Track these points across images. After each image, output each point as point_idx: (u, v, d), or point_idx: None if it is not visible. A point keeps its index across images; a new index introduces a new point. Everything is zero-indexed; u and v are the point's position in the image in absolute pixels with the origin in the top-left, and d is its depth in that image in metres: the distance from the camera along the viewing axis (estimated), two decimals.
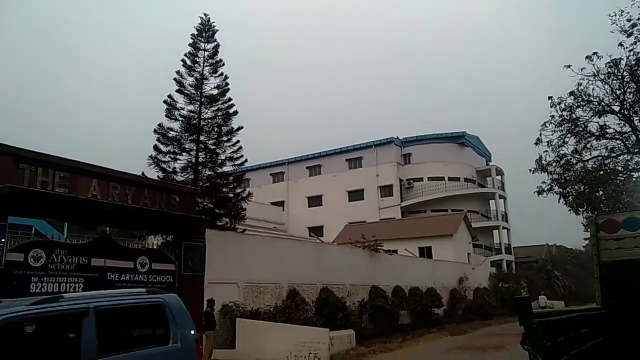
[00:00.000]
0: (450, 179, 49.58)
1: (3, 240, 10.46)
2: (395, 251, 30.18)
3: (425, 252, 35.36)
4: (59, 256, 11.64)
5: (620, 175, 23.30)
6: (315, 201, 51.05)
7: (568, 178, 23.20)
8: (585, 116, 22.56)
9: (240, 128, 21.82)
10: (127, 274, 13.07)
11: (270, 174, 54.83)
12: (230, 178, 21.68)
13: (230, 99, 21.98)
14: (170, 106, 21.24)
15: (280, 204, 51.43)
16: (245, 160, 22.06)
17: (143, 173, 18.85)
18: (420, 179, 49.34)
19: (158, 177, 20.10)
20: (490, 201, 52.53)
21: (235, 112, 21.94)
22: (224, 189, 21.24)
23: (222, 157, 21.55)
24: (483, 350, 16.32)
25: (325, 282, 19.57)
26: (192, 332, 7.85)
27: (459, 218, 39.34)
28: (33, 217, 17.03)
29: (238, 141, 21.82)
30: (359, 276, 22.05)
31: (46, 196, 11.26)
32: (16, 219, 10.98)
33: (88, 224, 13.47)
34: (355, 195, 49.27)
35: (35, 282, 11.08)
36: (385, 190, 48.45)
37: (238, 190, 21.68)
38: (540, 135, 22.92)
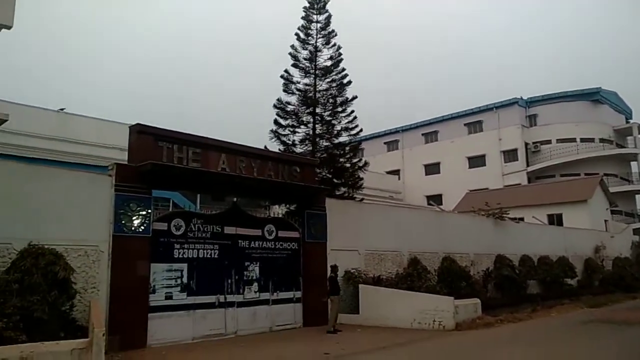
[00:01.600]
0: (582, 140, 45.30)
1: (149, 211, 11.65)
2: (522, 219, 28.54)
3: (555, 220, 32.93)
4: (196, 225, 12.72)
5: None
6: (432, 169, 49.81)
7: None
8: None
9: (354, 98, 21.81)
10: (256, 241, 13.93)
11: (385, 143, 54.38)
12: (347, 148, 21.85)
13: (343, 69, 22.00)
14: (287, 80, 21.82)
15: (395, 172, 50.97)
16: (361, 130, 22.06)
17: (265, 147, 19.72)
18: (548, 142, 45.74)
19: (279, 149, 20.89)
20: (632, 163, 47.24)
21: (349, 83, 21.94)
22: (341, 159, 21.50)
23: (338, 128, 21.75)
24: (628, 324, 14.93)
25: (447, 251, 19.14)
26: None
27: (594, 182, 35.93)
28: (171, 190, 18.68)
29: (353, 111, 21.86)
30: (483, 245, 21.26)
31: (182, 170, 12.26)
32: (157, 192, 12.11)
33: (217, 195, 14.44)
34: (476, 161, 47.15)
35: (178, 249, 12.24)
36: (509, 155, 45.68)
37: (354, 160, 21.82)
38: None
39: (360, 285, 15.23)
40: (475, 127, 48.34)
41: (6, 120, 13.70)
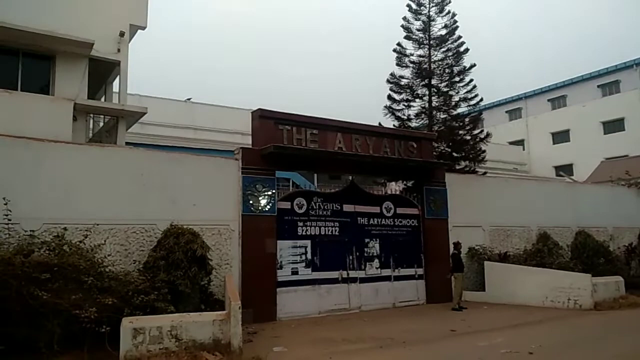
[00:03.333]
0: None
1: (274, 191, 12.21)
2: None
3: None
4: (317, 203, 13.09)
5: None
6: (561, 137, 45.89)
7: None
8: None
9: (472, 66, 20.79)
10: (374, 218, 13.99)
11: (506, 112, 51.09)
12: (466, 120, 21.00)
13: (459, 37, 21.02)
14: (400, 54, 21.39)
15: (519, 143, 47.85)
16: (481, 100, 21.04)
17: (380, 123, 19.62)
18: None
19: (394, 125, 20.67)
20: None
21: (466, 51, 20.94)
22: (460, 132, 20.71)
23: (456, 98, 20.95)
24: None
25: (581, 225, 17.67)
26: None
27: None
28: (291, 170, 19.34)
29: (471, 80, 20.89)
30: (624, 218, 19.29)
31: (302, 151, 12.64)
32: (278, 173, 12.64)
33: (334, 174, 14.69)
34: (613, 126, 42.53)
35: (301, 226, 12.71)
36: None
37: (475, 132, 20.90)
38: None
39: (486, 262, 14.68)
40: (610, 89, 43.53)
41: (145, 114, 15.10)
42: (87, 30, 14.00)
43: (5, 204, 8.54)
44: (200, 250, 9.88)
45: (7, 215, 8.55)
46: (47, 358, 7.48)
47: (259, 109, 12.61)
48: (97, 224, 9.69)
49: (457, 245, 13.76)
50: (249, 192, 11.88)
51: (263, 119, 12.52)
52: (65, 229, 9.03)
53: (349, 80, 79.40)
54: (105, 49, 14.73)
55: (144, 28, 16.09)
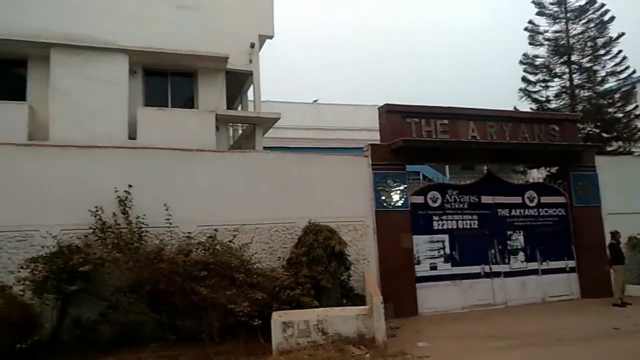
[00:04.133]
0: None
1: (405, 185, 12.08)
2: None
3: None
4: (452, 196, 12.68)
5: None
6: None
7: None
8: None
9: (620, 36, 18.62)
10: (517, 209, 13.18)
11: None
12: (616, 96, 18.88)
13: (602, 5, 18.99)
14: (533, 32, 19.93)
15: None
16: (633, 72, 18.77)
17: (515, 107, 18.46)
18: None
19: (531, 109, 19.32)
20: None
21: (612, 19, 18.86)
22: (609, 110, 18.69)
23: (602, 73, 18.95)
24: None
25: None
26: None
27: None
28: (421, 163, 19.05)
29: (620, 52, 18.74)
30: None
31: (432, 143, 12.34)
32: (408, 167, 12.49)
33: (468, 165, 14.10)
34: None
35: (437, 220, 12.41)
36: None
37: (628, 108, 18.71)
38: None
39: None
40: None
41: (278, 119, 15.87)
42: (222, 46, 15.09)
43: (166, 210, 9.52)
44: (338, 246, 10.10)
45: (168, 219, 9.54)
46: (209, 347, 8.18)
47: (386, 104, 12.56)
48: (244, 224, 10.37)
49: (615, 234, 12.42)
50: (380, 187, 11.89)
51: (390, 113, 12.45)
52: (216, 230, 9.78)
53: (473, 67, 75.79)
54: (239, 61, 15.75)
55: (271, 37, 16.92)
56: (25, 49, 13.29)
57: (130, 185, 9.54)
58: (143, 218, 9.42)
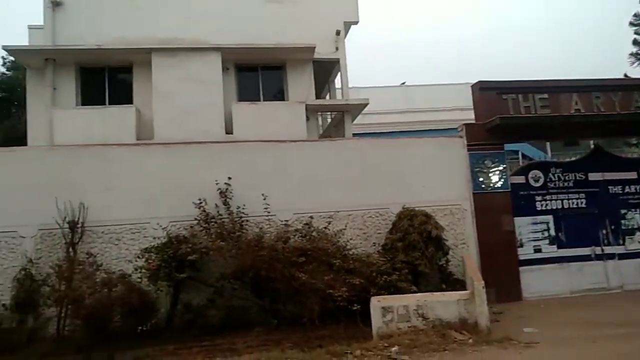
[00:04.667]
0: None
1: (504, 166, 11.54)
2: None
3: None
4: (556, 174, 11.94)
5: None
6: None
7: None
8: None
9: None
10: (631, 186, 12.13)
11: None
12: None
13: None
14: None
15: None
16: None
17: (625, 74, 16.89)
18: None
19: None
20: None
21: None
22: None
23: None
24: None
25: None
26: None
27: None
28: (520, 142, 18.11)
29: None
30: None
31: (532, 119, 11.65)
32: (505, 146, 11.90)
33: (571, 140, 13.13)
34: None
35: (539, 201, 11.75)
36: None
37: None
38: None
39: None
40: None
41: (367, 105, 15.79)
42: (308, 36, 15.23)
43: (264, 199, 9.88)
44: (434, 231, 9.91)
45: (266, 208, 9.91)
46: (310, 332, 8.41)
47: (479, 81, 12.05)
48: (338, 211, 10.49)
49: None
50: (478, 169, 11.46)
51: (484, 90, 11.92)
52: (311, 217, 10.00)
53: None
54: (325, 49, 15.81)
55: (356, 23, 16.80)
56: (130, 55, 14.32)
57: (229, 178, 10.02)
58: (243, 208, 9.87)
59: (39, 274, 9.17)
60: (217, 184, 9.97)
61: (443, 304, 8.27)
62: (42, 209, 9.43)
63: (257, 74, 15.78)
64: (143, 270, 8.85)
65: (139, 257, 9.08)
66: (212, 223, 9.60)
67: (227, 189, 10.00)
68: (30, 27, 16.42)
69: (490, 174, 11.46)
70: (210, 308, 9.27)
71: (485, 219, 11.21)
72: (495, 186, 11.43)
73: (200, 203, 9.78)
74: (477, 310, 8.14)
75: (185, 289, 9.38)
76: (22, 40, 15.94)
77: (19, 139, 14.71)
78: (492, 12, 75.34)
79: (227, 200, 9.94)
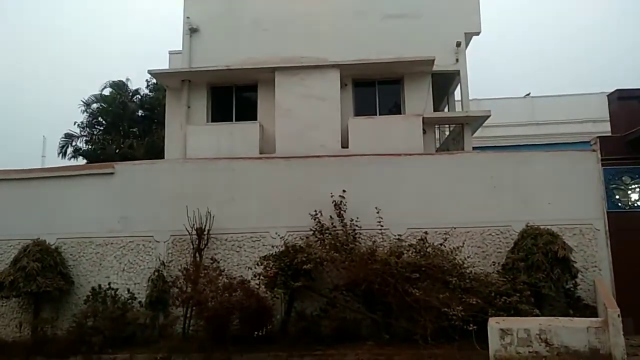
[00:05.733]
0: None
1: None
2: None
3: None
4: None
5: None
6: None
7: None
8: None
9: None
10: None
11: None
12: None
13: None
14: None
15: None
16: None
17: None
18: None
19: None
20: None
21: None
22: None
23: None
24: None
25: None
26: None
27: None
28: None
29: None
30: None
31: None
32: None
33: None
34: None
35: None
36: None
37: None
38: None
39: None
40: None
41: (489, 117, 15.18)
42: (427, 48, 15.03)
43: (377, 212, 9.91)
44: (561, 252, 9.19)
45: (379, 222, 9.92)
46: (423, 349, 8.22)
47: (617, 90, 11.09)
48: (454, 228, 10.16)
49: None
50: (614, 185, 10.47)
51: (623, 100, 10.93)
52: (426, 232, 9.82)
53: None
54: (444, 61, 15.47)
55: (478, 34, 16.27)
56: (256, 75, 15.24)
57: (344, 190, 10.23)
58: (356, 221, 10.00)
59: (169, 276, 10.16)
60: (332, 196, 10.22)
61: (570, 331, 7.63)
62: (174, 216, 10.41)
63: (374, 88, 15.90)
64: (261, 277, 9.31)
65: (258, 264, 9.57)
66: (327, 234, 9.86)
67: (341, 201, 10.22)
68: (171, 52, 18.24)
69: (628, 192, 10.42)
70: (323, 318, 9.48)
71: (622, 241, 10.16)
72: (635, 205, 10.34)
73: (316, 214, 10.10)
74: (611, 341, 7.39)
75: (300, 297, 9.71)
76: (163, 64, 17.70)
77: (158, 153, 16.38)
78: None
79: (341, 212, 10.16)
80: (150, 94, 24.26)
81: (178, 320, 9.79)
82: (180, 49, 16.41)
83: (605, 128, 11.32)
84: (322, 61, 15.04)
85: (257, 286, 9.38)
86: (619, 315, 7.45)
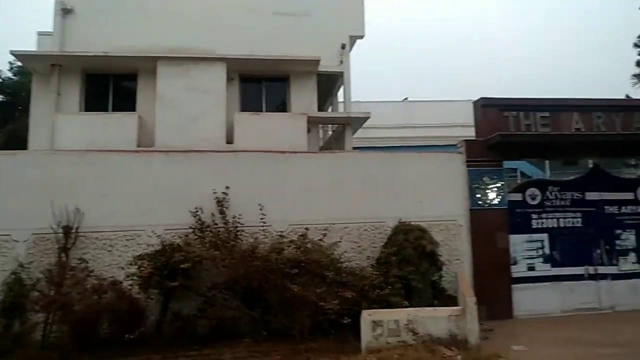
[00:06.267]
0: None
1: (502, 183, 11.56)
2: None
3: None
4: (553, 193, 11.96)
5: None
6: None
7: None
8: None
9: None
10: (627, 206, 12.16)
11: None
12: None
13: None
14: None
15: None
16: None
17: (627, 95, 16.93)
18: None
19: None
20: None
21: None
22: None
23: None
24: None
25: None
26: None
27: None
28: (520, 159, 18.11)
29: None
30: None
31: (533, 137, 11.67)
32: (504, 163, 11.95)
33: (570, 160, 13.16)
34: None
35: (535, 219, 11.76)
36: None
37: None
38: None
39: None
40: None
41: (368, 119, 15.88)
42: (313, 48, 15.34)
43: (260, 209, 9.93)
44: (429, 246, 9.94)
45: (262, 219, 9.94)
46: (300, 344, 8.41)
47: (482, 98, 12.10)
48: (334, 224, 10.50)
49: None
50: (476, 185, 11.48)
51: (486, 107, 11.97)
52: (307, 228, 10.00)
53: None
54: (330, 62, 15.92)
55: (362, 37, 16.93)
56: (136, 63, 14.48)
57: (227, 187, 10.08)
58: (239, 218, 9.91)
59: (29, 279, 9.18)
60: (214, 192, 10.03)
61: (434, 320, 8.27)
62: (38, 213, 9.51)
63: (261, 85, 15.91)
64: (135, 278, 8.88)
65: (131, 264, 9.11)
66: (207, 232, 9.64)
67: (224, 198, 10.05)
68: (40, 34, 16.68)
69: (487, 191, 11.48)
70: (200, 317, 9.28)
71: (481, 236, 11.22)
72: (492, 203, 11.45)
73: (197, 211, 9.84)
74: (467, 327, 8.14)
75: (177, 297, 9.37)
76: (31, 46, 16.12)
77: (21, 143, 14.88)
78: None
79: (224, 209, 9.98)
80: (14, 77, 21.99)
81: (38, 327, 8.90)
82: (51, 30, 15.06)
83: (472, 133, 12.38)
84: (208, 53, 14.70)
85: (130, 287, 8.94)
86: (475, 304, 8.22)
